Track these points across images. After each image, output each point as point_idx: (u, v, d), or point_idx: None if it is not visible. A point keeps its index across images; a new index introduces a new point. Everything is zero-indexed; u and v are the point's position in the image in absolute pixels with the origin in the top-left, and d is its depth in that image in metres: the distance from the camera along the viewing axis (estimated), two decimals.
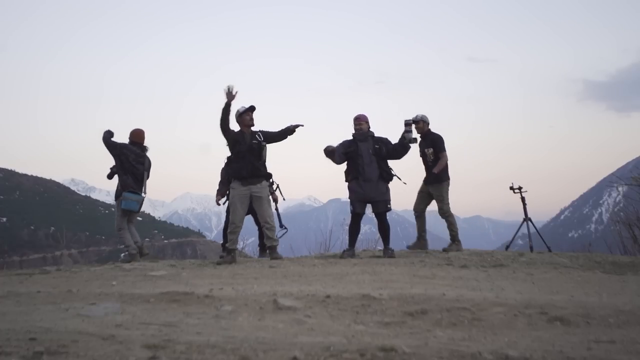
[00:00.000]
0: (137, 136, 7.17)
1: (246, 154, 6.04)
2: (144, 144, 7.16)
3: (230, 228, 6.22)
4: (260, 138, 6.15)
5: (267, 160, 6.32)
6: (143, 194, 6.98)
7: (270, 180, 6.58)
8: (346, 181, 6.41)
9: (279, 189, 7.36)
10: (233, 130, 6.13)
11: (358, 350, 2.04)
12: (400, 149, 6.38)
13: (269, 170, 6.36)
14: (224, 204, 7.18)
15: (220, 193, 7.43)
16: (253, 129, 6.20)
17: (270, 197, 6.58)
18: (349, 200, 6.45)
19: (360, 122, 6.38)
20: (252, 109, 6.16)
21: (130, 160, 6.90)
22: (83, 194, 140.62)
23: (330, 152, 6.22)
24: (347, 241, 6.43)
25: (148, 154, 7.17)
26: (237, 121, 6.20)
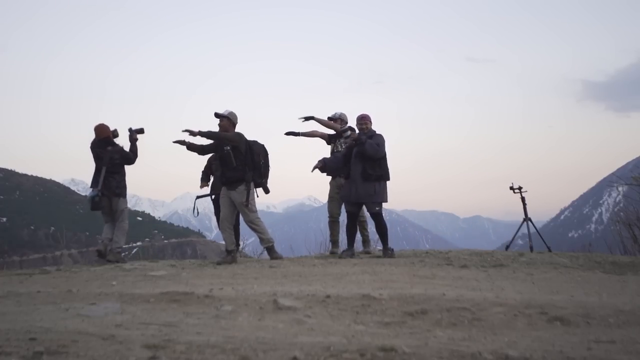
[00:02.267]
0: (96, 132, 6.91)
1: (219, 162, 6.18)
2: (102, 138, 6.82)
3: (219, 227, 6.28)
4: (227, 145, 6.01)
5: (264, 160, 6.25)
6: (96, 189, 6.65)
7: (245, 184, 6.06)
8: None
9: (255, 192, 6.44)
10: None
11: (358, 350, 2.04)
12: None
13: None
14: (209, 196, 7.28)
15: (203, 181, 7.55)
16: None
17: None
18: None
19: (365, 121, 6.39)
20: (215, 115, 6.09)
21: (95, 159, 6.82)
22: (83, 194, 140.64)
23: (329, 168, 6.45)
24: (346, 242, 6.42)
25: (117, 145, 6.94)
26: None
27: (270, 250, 6.25)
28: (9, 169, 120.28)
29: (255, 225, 6.15)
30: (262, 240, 6.26)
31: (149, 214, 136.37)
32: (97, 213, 6.82)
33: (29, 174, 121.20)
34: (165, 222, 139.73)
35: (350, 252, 6.25)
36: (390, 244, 6.34)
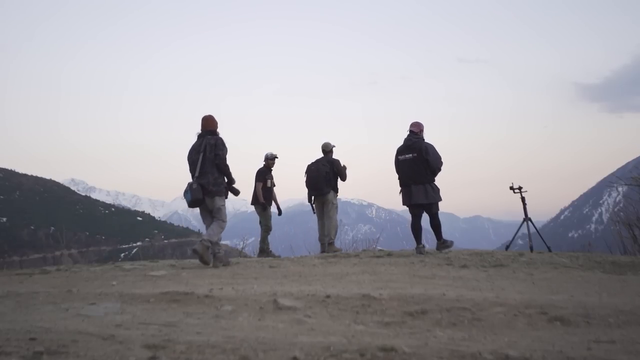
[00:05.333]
0: (201, 124, 6.12)
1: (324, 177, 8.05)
2: (206, 129, 5.98)
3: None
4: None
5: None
6: (190, 182, 5.76)
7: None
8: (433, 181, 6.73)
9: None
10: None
11: (358, 350, 2.04)
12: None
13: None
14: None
15: None
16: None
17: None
18: (440, 200, 6.65)
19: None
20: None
21: (193, 156, 5.89)
22: (83, 194, 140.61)
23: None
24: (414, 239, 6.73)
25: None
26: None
27: (330, 245, 7.81)
28: (9, 169, 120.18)
29: (333, 220, 8.01)
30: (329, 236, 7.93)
31: (149, 214, 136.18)
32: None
33: (29, 174, 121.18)
34: (165, 222, 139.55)
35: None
36: (390, 244, 6.35)
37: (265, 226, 8.40)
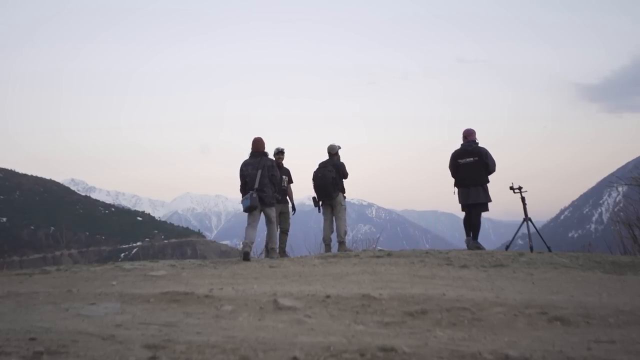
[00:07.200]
0: (253, 145, 7.29)
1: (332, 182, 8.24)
2: (260, 150, 7.19)
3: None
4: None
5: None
6: (251, 191, 6.85)
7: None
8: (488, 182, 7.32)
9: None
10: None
11: (358, 350, 2.04)
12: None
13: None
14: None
15: None
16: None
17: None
18: (490, 201, 7.26)
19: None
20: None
21: (249, 171, 7.01)
22: (83, 194, 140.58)
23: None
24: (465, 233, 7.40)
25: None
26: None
27: (341, 244, 7.93)
28: (9, 169, 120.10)
29: (342, 220, 8.05)
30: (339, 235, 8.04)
31: (149, 214, 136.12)
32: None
33: (29, 174, 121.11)
34: (165, 222, 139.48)
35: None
36: (390, 244, 6.36)
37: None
